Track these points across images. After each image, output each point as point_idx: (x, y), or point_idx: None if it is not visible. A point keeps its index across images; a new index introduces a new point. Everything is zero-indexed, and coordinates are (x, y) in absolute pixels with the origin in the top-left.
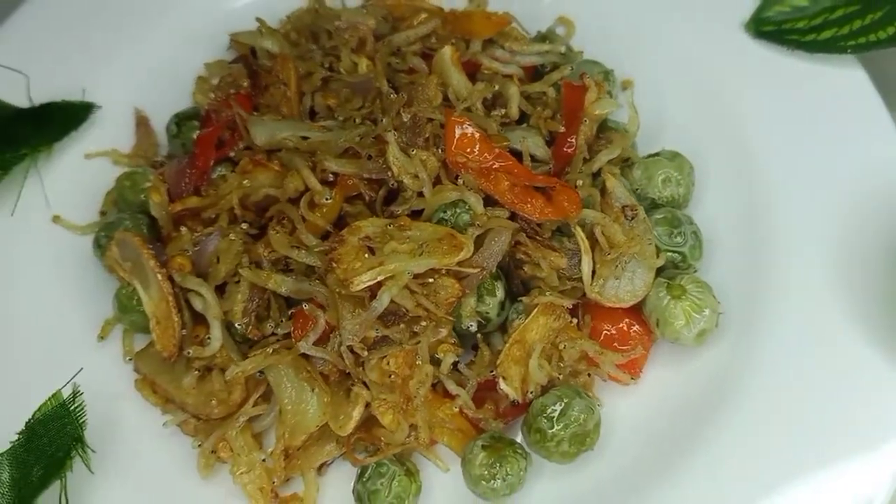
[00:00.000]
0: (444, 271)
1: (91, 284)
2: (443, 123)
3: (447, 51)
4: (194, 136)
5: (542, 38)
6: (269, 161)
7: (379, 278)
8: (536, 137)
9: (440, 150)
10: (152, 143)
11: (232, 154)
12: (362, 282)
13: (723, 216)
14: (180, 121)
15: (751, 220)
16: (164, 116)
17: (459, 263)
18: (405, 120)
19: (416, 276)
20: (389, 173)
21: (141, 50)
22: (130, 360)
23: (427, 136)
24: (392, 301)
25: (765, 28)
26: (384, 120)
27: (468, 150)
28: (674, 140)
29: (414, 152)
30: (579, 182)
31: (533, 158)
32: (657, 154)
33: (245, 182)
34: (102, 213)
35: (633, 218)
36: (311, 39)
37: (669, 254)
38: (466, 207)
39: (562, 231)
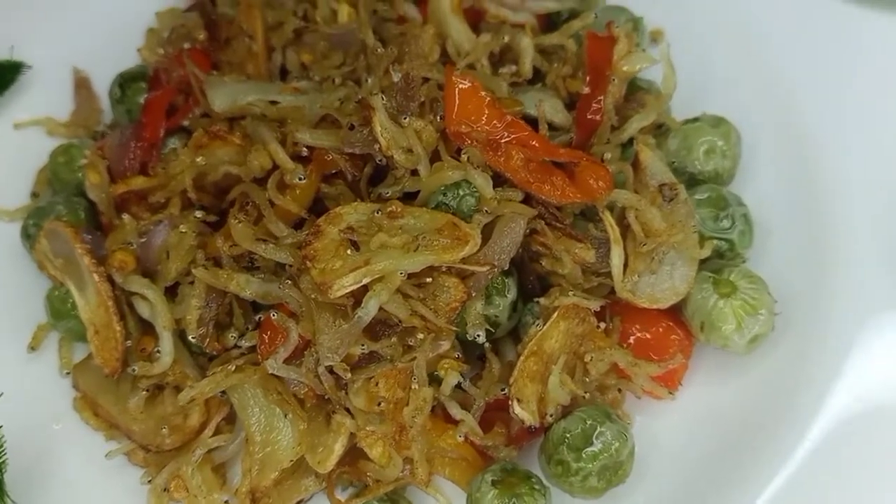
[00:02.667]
0: (444, 268)
1: (21, 281)
2: (441, 84)
3: None
4: (141, 101)
5: None
6: (231, 132)
7: (364, 281)
8: (555, 100)
9: (438, 118)
10: (94, 108)
11: (186, 123)
12: (343, 286)
13: (775, 194)
14: (125, 82)
15: (807, 199)
16: (109, 77)
17: (464, 260)
18: (395, 80)
19: (410, 276)
20: (377, 147)
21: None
22: (68, 373)
23: (422, 99)
24: (381, 309)
25: None
26: (369, 80)
27: (473, 117)
28: (715, 102)
29: (406, 120)
30: (607, 155)
31: (551, 126)
32: (697, 119)
33: (200, 160)
34: (34, 195)
35: (672, 199)
36: None
37: (715, 242)
38: (472, 189)
39: (586, 215)
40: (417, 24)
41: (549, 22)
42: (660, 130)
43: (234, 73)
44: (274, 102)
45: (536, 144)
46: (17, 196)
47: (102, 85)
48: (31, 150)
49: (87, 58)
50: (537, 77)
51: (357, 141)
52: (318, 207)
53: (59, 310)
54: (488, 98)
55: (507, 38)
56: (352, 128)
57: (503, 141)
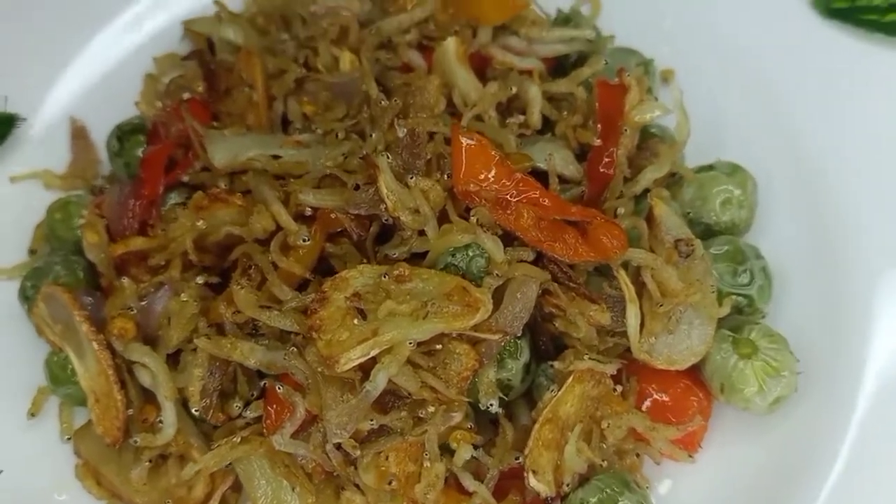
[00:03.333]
0: (455, 334)
1: (19, 343)
2: (447, 137)
3: (451, 44)
4: (140, 154)
5: (565, 19)
6: (232, 194)
7: (373, 353)
8: (565, 151)
9: (446, 176)
10: (92, 159)
11: (186, 178)
12: (351, 360)
13: (792, 242)
14: (123, 135)
15: (826, 247)
16: (108, 126)
17: (475, 327)
18: (400, 135)
19: (419, 344)
20: (383, 207)
21: (76, 44)
22: (69, 439)
23: (429, 157)
24: (390, 381)
25: (836, 5)
26: (373, 134)
27: (481, 176)
28: (728, 147)
29: (413, 179)
30: (621, 210)
31: (561, 179)
32: (711, 167)
33: (200, 223)
34: (32, 252)
35: (688, 255)
36: (281, 26)
37: (734, 298)
38: (482, 250)
39: (600, 271)
40: (422, 74)
41: (558, 64)
42: (673, 179)
43: (235, 123)
44: (276, 157)
45: (548, 203)
46: (15, 252)
47: (99, 134)
48: (28, 205)
49: (83, 106)
50: (546, 125)
51: (363, 202)
52: (323, 266)
53: (59, 376)
54: (497, 156)
55: (514, 89)
56: (357, 188)
57: (513, 199)
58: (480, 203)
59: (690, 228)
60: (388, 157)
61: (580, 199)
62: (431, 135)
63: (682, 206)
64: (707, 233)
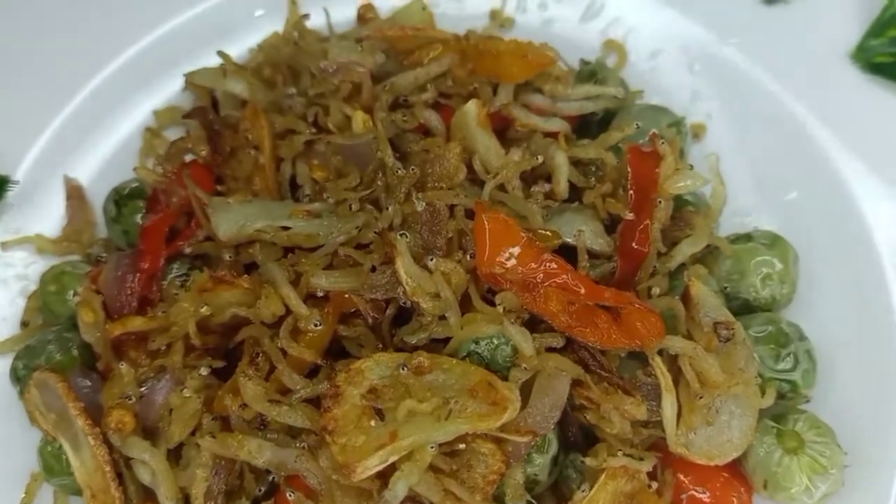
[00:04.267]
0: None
1: (11, 424)
2: (469, 210)
3: (471, 108)
4: (139, 220)
5: (590, 73)
6: (237, 275)
7: (391, 459)
8: (594, 223)
9: (468, 256)
10: (88, 221)
11: (188, 250)
12: (368, 468)
13: (835, 319)
14: (120, 199)
15: (871, 325)
16: (106, 185)
17: (502, 427)
18: (419, 209)
19: (441, 444)
20: (400, 290)
21: (68, 95)
22: None
23: (449, 234)
24: (410, 489)
25: (877, 59)
26: (390, 207)
27: (507, 257)
28: (765, 211)
29: (433, 261)
30: (655, 290)
31: (590, 253)
32: (749, 237)
33: (204, 309)
34: (24, 325)
35: (728, 339)
36: (290, 78)
37: (775, 380)
38: (507, 339)
39: (633, 354)
40: (441, 142)
41: (583, 121)
42: (707, 249)
43: (240, 189)
44: (285, 228)
45: (579, 287)
46: (4, 325)
47: (97, 196)
48: (20, 273)
49: (78, 165)
50: (572, 189)
51: (379, 285)
52: (336, 347)
53: (53, 467)
54: (523, 237)
55: (540, 159)
56: (373, 270)
57: (541, 282)
58: (506, 286)
59: (727, 304)
60: (406, 237)
61: (611, 275)
62: (452, 208)
63: (719, 281)
64: (745, 308)
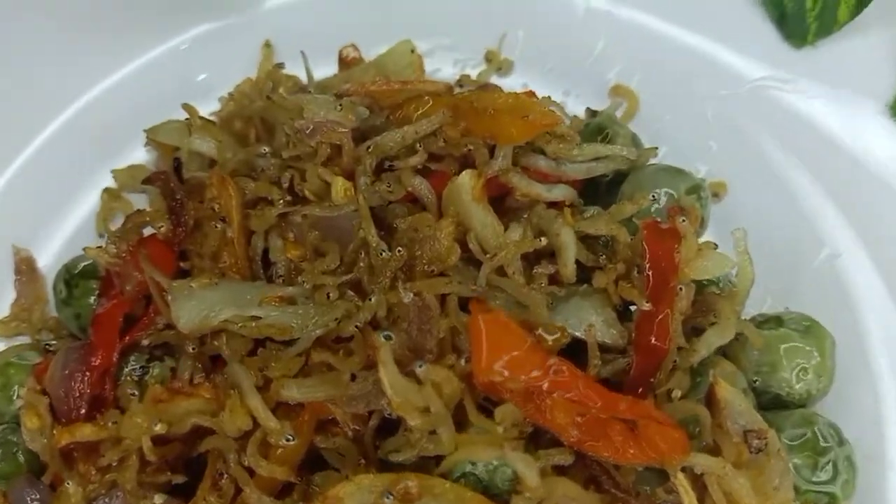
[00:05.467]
0: None
1: None
2: (465, 300)
3: (466, 180)
4: (92, 303)
5: (597, 129)
6: (197, 384)
7: None
8: (605, 310)
9: (463, 361)
10: (40, 297)
11: (146, 342)
12: None
13: (871, 412)
14: (71, 279)
15: None
16: (59, 256)
17: None
18: (406, 300)
19: None
20: (385, 401)
21: (17, 151)
22: None
23: (441, 334)
24: None
25: None
26: (373, 297)
27: (507, 363)
28: (795, 287)
29: (422, 368)
30: (676, 392)
31: (601, 347)
32: (780, 322)
33: (158, 427)
34: None
35: (760, 451)
36: (262, 132)
37: (812, 493)
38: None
39: (650, 467)
40: (430, 219)
41: (591, 182)
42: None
43: (206, 267)
44: (255, 317)
45: (590, 395)
46: None
47: (50, 262)
48: None
49: (27, 233)
50: (579, 267)
51: (360, 396)
52: (313, 454)
53: None
54: (527, 341)
55: (544, 241)
56: (353, 378)
57: (546, 389)
58: (506, 396)
59: (756, 398)
60: (391, 339)
61: (625, 372)
62: (444, 297)
63: (746, 373)
64: (776, 403)
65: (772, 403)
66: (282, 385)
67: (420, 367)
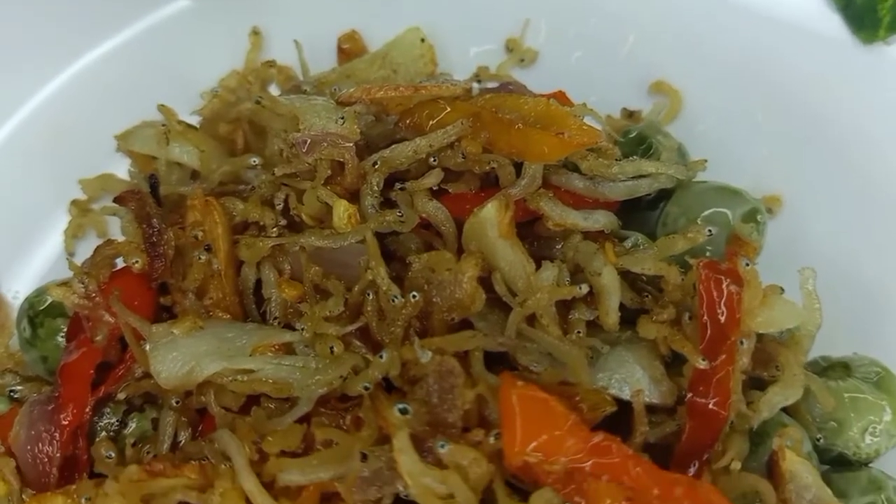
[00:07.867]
0: None
1: None
2: (492, 356)
3: (491, 214)
4: (60, 343)
5: (639, 140)
6: (180, 466)
7: None
8: (652, 364)
9: (492, 438)
10: (4, 326)
11: (121, 395)
12: None
13: None
14: (36, 316)
15: None
16: (25, 281)
17: None
18: (423, 360)
19: None
20: (400, 484)
21: None
22: None
23: (466, 405)
24: None
25: None
26: (384, 354)
27: (545, 444)
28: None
29: (444, 448)
30: (735, 464)
31: (648, 408)
32: (846, 367)
33: None
34: None
35: None
36: (252, 137)
37: None
38: None
39: None
40: (450, 260)
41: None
42: None
43: (189, 305)
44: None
45: (639, 475)
46: None
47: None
48: None
49: None
50: (621, 308)
51: (372, 478)
52: None
53: None
54: (569, 419)
55: (584, 288)
56: (364, 458)
57: (589, 469)
58: (542, 479)
59: (818, 455)
60: (407, 412)
61: (675, 436)
62: (464, 355)
63: (809, 428)
64: (839, 461)
65: (835, 462)
66: (281, 468)
67: (442, 447)
